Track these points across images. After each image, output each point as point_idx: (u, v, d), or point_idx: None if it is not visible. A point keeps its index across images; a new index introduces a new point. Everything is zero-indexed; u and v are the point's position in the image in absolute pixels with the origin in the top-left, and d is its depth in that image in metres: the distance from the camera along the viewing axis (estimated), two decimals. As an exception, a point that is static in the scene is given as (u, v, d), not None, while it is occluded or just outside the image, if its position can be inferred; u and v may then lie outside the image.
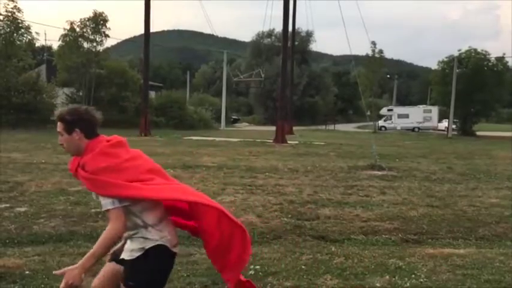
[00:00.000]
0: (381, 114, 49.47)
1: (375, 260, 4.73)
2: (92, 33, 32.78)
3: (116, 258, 2.52)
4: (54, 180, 8.79)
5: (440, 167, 13.14)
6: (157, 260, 2.40)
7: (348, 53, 28.49)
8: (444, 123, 43.69)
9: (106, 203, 2.28)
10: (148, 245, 2.39)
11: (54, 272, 2.41)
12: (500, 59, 39.66)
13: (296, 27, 42.80)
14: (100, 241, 2.28)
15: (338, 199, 7.94)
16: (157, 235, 2.40)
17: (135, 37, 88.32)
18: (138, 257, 2.39)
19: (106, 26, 33.14)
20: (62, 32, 32.47)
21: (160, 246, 2.40)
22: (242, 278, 2.80)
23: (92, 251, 2.29)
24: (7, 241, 5.19)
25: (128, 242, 2.46)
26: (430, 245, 5.51)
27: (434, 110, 47.84)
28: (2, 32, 28.60)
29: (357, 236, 5.81)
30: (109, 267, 2.56)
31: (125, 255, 2.45)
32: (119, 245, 2.51)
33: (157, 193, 2.39)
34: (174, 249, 2.48)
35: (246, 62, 64.46)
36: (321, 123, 53.14)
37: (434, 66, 45.97)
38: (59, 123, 2.40)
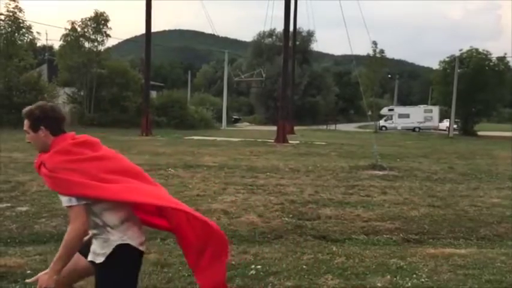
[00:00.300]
0: (382, 114, 49.43)
1: (376, 260, 4.72)
2: (93, 33, 32.85)
3: (81, 249, 2.46)
4: (56, 179, 8.78)
5: (442, 167, 13.13)
6: (123, 260, 2.38)
7: (349, 52, 28.42)
8: (445, 123, 43.65)
9: (64, 200, 2.28)
10: (111, 248, 2.35)
11: (27, 280, 2.42)
12: (502, 59, 39.65)
13: (297, 27, 42.65)
14: (63, 243, 2.27)
15: (339, 199, 7.94)
16: (119, 235, 2.37)
17: (136, 37, 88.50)
18: (102, 262, 2.36)
19: (107, 26, 33.27)
20: (63, 31, 32.62)
21: (123, 246, 2.37)
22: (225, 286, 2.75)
23: (58, 254, 2.29)
24: (8, 240, 5.21)
25: (93, 241, 2.42)
26: (431, 245, 5.51)
27: (435, 110, 47.81)
28: (3, 31, 28.65)
29: (358, 236, 5.81)
30: None
31: (90, 257, 2.41)
32: (87, 237, 2.44)
33: (118, 194, 2.33)
34: (140, 247, 2.45)
35: (247, 62, 64.42)
36: (322, 123, 53.07)
37: (435, 66, 46.00)
38: (25, 122, 2.39)
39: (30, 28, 29.84)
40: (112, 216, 2.37)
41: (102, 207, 2.34)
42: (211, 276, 2.64)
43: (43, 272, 2.35)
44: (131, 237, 2.40)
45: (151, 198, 2.46)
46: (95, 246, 2.40)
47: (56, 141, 2.36)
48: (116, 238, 2.37)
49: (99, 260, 2.36)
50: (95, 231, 2.39)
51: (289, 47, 28.52)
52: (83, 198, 2.26)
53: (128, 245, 2.38)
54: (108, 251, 2.35)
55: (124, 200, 2.37)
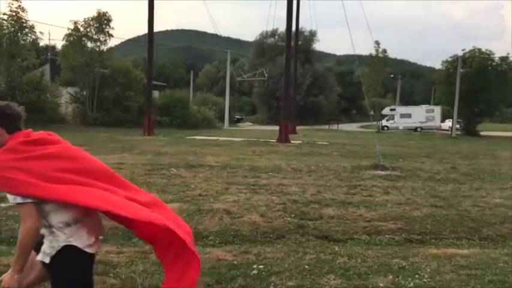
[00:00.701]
0: (383, 114, 49.34)
1: (378, 260, 4.72)
2: (95, 33, 32.90)
3: (36, 246, 2.44)
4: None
5: (444, 167, 13.11)
6: (69, 261, 2.35)
7: (351, 52, 28.38)
8: (447, 123, 43.58)
9: (9, 198, 2.28)
10: (55, 249, 2.33)
11: None
12: (504, 59, 39.55)
13: (299, 26, 42.60)
14: (18, 244, 2.27)
15: (341, 199, 7.94)
16: (65, 237, 2.34)
17: (138, 37, 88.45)
18: (49, 263, 2.35)
19: (110, 26, 33.32)
20: (66, 31, 32.67)
21: (69, 247, 2.34)
22: None
23: (15, 254, 2.31)
24: (11, 240, 5.21)
25: (44, 240, 2.40)
26: (434, 245, 5.50)
27: (437, 110, 47.69)
28: (6, 31, 28.73)
29: (360, 236, 5.81)
30: None
31: (40, 256, 2.40)
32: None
33: (64, 196, 2.27)
34: (88, 249, 2.41)
35: (249, 62, 64.40)
36: (324, 123, 53.00)
37: (438, 66, 46.06)
38: None
39: (33, 28, 30.01)
40: (59, 217, 2.33)
41: (49, 207, 2.31)
42: (179, 274, 2.54)
43: (6, 273, 2.37)
44: (78, 239, 2.37)
45: (100, 201, 2.34)
46: (44, 245, 2.38)
47: (9, 140, 2.33)
48: (63, 239, 2.34)
49: (47, 260, 2.36)
50: (43, 231, 2.37)
51: (292, 46, 28.54)
52: (29, 197, 2.24)
53: (73, 246, 2.35)
54: (54, 251, 2.34)
55: (70, 202, 2.30)
